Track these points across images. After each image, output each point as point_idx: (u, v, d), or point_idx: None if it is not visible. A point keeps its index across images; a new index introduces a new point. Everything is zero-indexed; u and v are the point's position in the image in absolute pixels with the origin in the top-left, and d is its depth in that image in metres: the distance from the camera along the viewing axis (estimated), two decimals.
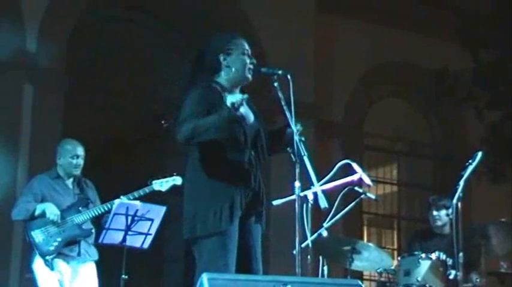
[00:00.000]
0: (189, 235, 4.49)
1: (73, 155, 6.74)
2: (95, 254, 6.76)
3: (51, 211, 6.51)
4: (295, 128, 4.49)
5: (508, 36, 10.89)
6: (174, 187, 6.63)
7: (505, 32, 10.92)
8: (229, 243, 4.42)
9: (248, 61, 4.65)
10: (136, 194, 6.62)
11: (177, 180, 6.62)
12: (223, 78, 4.65)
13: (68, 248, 6.58)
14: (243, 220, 4.51)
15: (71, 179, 6.81)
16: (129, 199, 6.59)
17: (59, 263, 6.55)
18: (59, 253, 6.55)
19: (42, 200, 6.63)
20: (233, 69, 4.63)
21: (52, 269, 6.49)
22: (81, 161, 6.77)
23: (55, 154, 6.85)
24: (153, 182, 6.68)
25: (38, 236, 6.51)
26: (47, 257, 6.49)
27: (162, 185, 6.68)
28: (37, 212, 6.53)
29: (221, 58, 4.64)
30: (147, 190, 6.68)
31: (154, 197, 6.76)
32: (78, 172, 6.78)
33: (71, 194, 6.76)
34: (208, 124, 4.39)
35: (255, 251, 4.56)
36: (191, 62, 4.85)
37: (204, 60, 4.69)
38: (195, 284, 4.24)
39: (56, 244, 6.51)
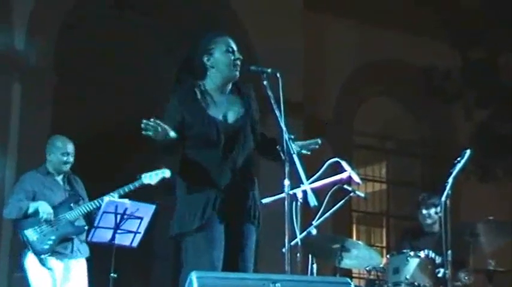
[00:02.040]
0: (170, 234, 4.50)
1: (63, 152, 6.71)
2: (86, 251, 6.74)
3: (45, 210, 6.47)
4: (284, 126, 4.47)
5: (496, 34, 10.91)
6: (163, 180, 6.55)
7: (493, 30, 10.94)
8: (212, 241, 4.39)
9: (232, 58, 4.57)
10: (126, 188, 6.56)
11: (166, 172, 6.54)
12: (209, 79, 4.60)
13: (61, 245, 6.55)
14: (234, 220, 4.48)
15: (61, 176, 6.77)
16: (120, 194, 6.54)
17: (51, 260, 6.52)
18: (53, 251, 6.52)
19: (34, 197, 6.59)
20: (216, 69, 4.57)
21: (44, 265, 6.47)
22: (71, 159, 6.74)
23: (44, 151, 6.81)
24: (142, 175, 6.60)
25: (31, 235, 6.47)
26: (42, 256, 6.46)
27: (151, 177, 6.59)
28: (30, 211, 6.49)
29: (205, 59, 4.59)
30: (136, 184, 6.61)
31: (143, 196, 6.73)
32: (67, 168, 6.76)
33: (62, 190, 6.73)
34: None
35: (244, 251, 4.52)
36: (179, 63, 4.80)
37: (192, 64, 4.64)
38: (180, 282, 4.24)
39: (50, 242, 6.48)
